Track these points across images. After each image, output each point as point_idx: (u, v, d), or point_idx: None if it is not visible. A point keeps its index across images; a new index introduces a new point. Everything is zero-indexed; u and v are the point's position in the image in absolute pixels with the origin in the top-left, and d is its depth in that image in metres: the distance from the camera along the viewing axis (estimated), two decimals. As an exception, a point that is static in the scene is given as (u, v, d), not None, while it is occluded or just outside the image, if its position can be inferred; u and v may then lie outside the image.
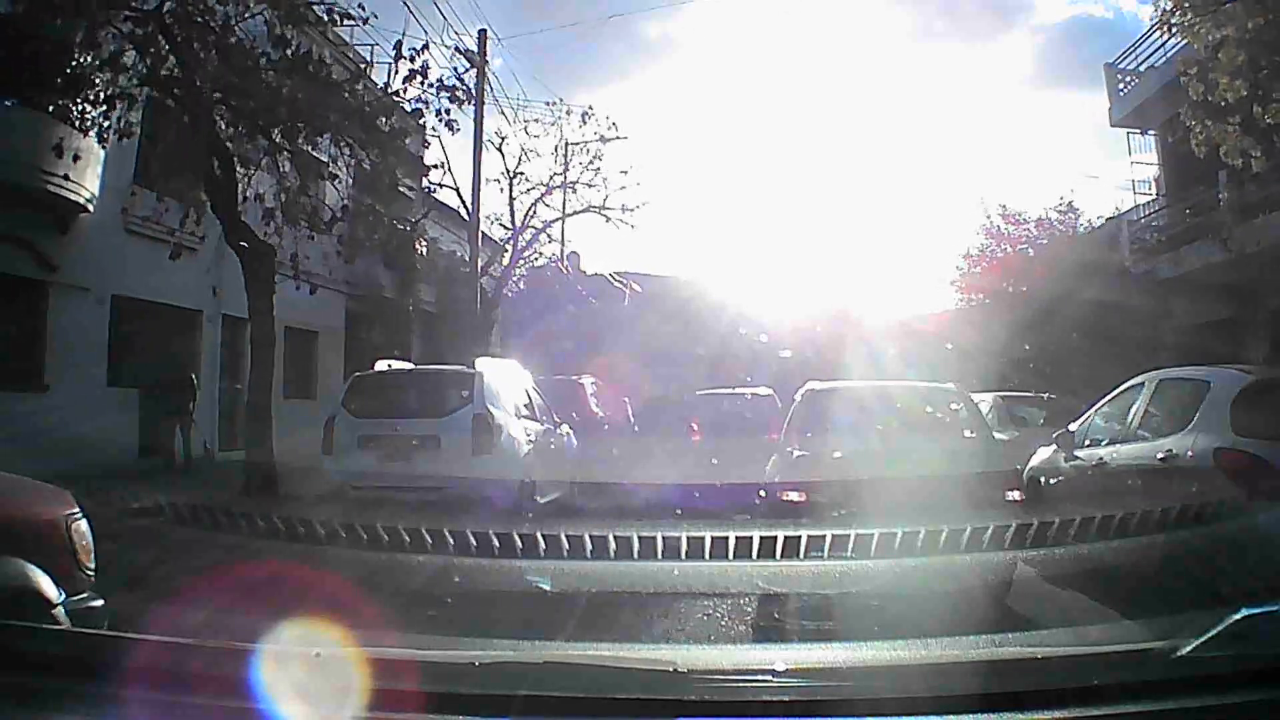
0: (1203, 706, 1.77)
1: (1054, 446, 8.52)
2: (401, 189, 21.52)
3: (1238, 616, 1.91)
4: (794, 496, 6.66)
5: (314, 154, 12.57)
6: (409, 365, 12.23)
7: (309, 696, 1.79)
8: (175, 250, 12.47)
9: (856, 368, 19.89)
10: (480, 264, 22.65)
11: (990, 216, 24.15)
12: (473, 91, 13.14)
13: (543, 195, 25.43)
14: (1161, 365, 8.38)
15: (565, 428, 12.83)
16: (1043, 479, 8.48)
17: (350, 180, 13.63)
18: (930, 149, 70.62)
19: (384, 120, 12.04)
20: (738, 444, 14.32)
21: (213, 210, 12.02)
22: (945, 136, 65.81)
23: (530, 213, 25.48)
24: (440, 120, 12.63)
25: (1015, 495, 6.58)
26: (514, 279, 27.12)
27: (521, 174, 25.14)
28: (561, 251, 28.28)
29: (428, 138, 16.38)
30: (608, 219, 25.25)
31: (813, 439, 7.63)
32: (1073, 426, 8.37)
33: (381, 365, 11.64)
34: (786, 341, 27.80)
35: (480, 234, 21.83)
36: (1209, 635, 1.87)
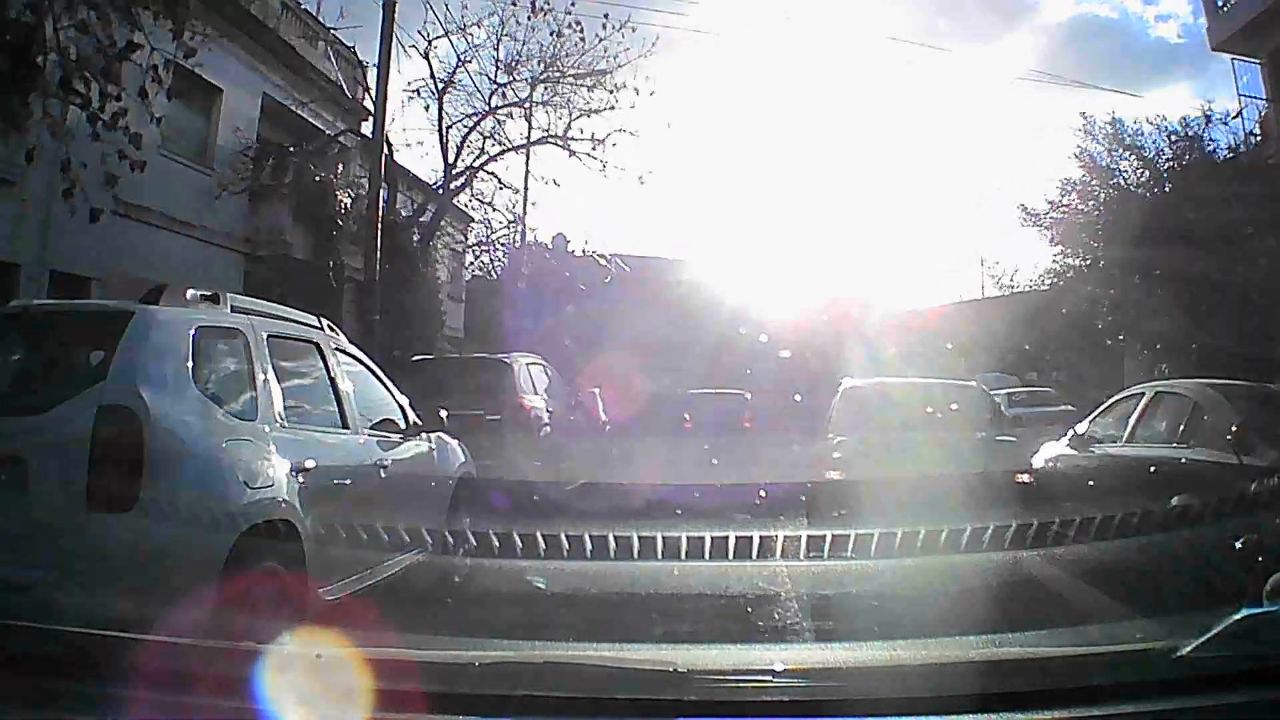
0: (1203, 706, 1.77)
1: None
2: (306, 115, 17.52)
3: (1238, 616, 1.91)
4: (835, 475, 8.32)
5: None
6: (54, 304, 6.51)
7: (309, 697, 1.80)
8: None
9: (872, 365, 18.87)
10: (399, 207, 17.55)
11: (1093, 136, 17.54)
12: None
13: (482, 119, 20.01)
14: None
15: (442, 436, 7.01)
16: None
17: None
18: (933, 147, 70.62)
19: None
20: (729, 442, 16.76)
21: None
22: (946, 135, 65.77)
23: (473, 149, 20.29)
24: None
25: (1025, 478, 7.99)
26: (443, 232, 22.32)
27: (453, 83, 19.74)
28: (524, 201, 23.79)
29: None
30: (571, 152, 20.11)
31: (851, 429, 8.87)
32: None
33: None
34: (786, 341, 27.29)
35: (386, 154, 16.16)
36: (1209, 635, 1.88)
